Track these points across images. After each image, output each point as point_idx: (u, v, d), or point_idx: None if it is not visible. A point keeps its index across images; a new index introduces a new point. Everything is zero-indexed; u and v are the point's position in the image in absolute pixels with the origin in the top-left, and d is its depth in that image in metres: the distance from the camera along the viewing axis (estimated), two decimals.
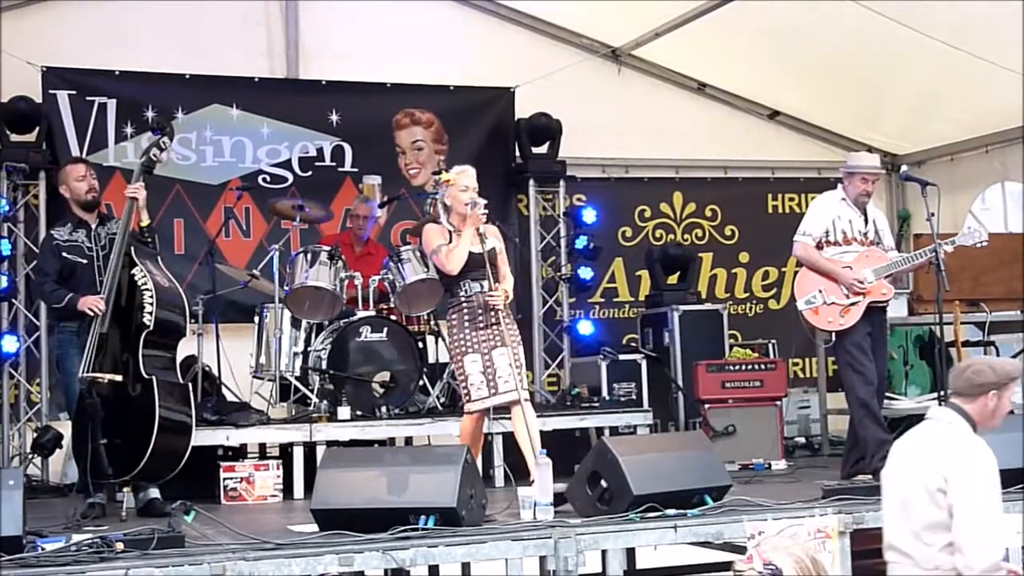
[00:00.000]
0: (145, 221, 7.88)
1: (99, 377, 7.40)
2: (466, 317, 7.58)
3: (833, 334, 8.42)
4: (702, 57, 12.20)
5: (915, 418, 10.58)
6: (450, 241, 7.61)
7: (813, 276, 8.45)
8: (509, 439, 8.47)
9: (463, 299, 7.62)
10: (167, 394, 7.49)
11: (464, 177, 7.69)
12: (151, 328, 7.48)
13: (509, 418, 7.64)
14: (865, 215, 8.49)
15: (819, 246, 8.43)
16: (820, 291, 8.39)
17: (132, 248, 7.66)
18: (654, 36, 11.73)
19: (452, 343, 7.73)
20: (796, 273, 8.66)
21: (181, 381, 7.84)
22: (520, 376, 7.49)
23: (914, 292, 10.31)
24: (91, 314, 7.51)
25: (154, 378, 7.41)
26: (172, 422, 7.50)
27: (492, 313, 7.54)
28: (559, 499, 6.70)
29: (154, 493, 7.71)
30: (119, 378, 7.43)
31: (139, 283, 7.55)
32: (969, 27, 9.90)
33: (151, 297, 7.49)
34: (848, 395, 8.39)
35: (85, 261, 7.83)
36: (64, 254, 7.85)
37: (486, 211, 7.61)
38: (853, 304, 8.29)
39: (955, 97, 11.24)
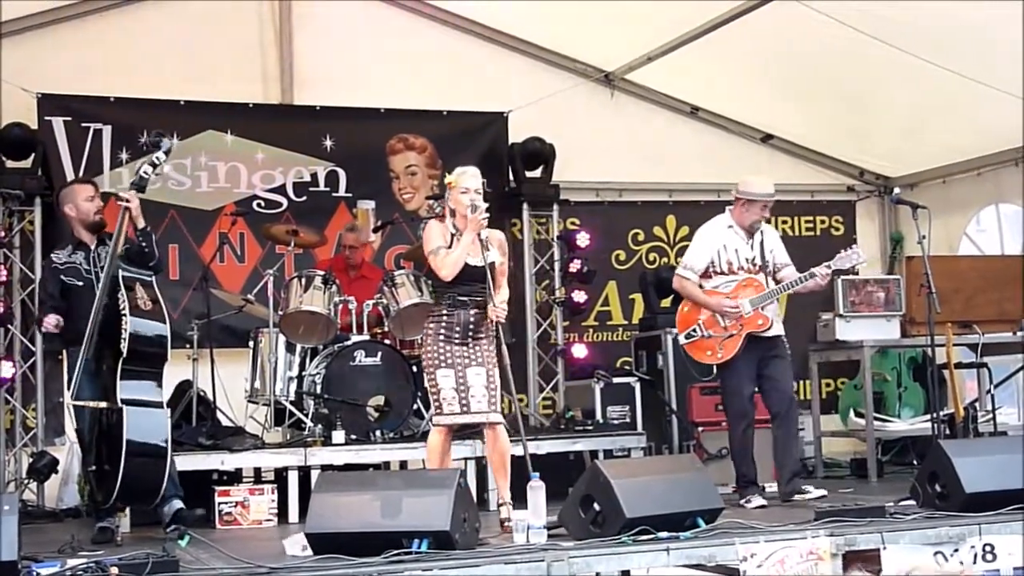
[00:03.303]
0: (140, 224, 7.62)
1: (82, 404, 7.35)
2: (443, 330, 7.31)
3: (715, 367, 8.62)
4: (695, 81, 12.25)
5: (909, 440, 10.77)
6: (451, 245, 7.30)
7: (694, 309, 8.60)
8: None
9: (444, 312, 7.34)
10: (139, 419, 7.21)
11: (465, 178, 7.35)
12: (125, 356, 7.23)
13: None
14: (751, 239, 8.56)
15: (706, 275, 8.53)
16: (700, 324, 8.53)
17: (119, 270, 7.39)
18: (647, 60, 11.78)
19: (425, 354, 7.39)
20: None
21: (164, 407, 7.56)
22: (494, 398, 7.31)
23: (906, 314, 10.33)
24: (53, 332, 7.48)
25: (124, 408, 7.16)
26: (141, 449, 7.18)
27: (471, 331, 7.30)
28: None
29: (178, 504, 7.68)
30: (104, 404, 7.30)
31: (120, 308, 7.31)
32: (962, 49, 9.94)
33: (126, 323, 7.24)
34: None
35: (81, 283, 7.71)
36: (62, 277, 7.76)
37: (487, 215, 7.28)
38: (730, 337, 8.42)
39: (947, 119, 11.26)
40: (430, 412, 7.73)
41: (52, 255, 7.99)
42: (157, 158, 7.68)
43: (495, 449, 7.44)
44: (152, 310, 7.42)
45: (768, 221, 8.67)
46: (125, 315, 7.27)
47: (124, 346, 7.23)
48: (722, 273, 8.52)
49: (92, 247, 7.86)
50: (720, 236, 8.58)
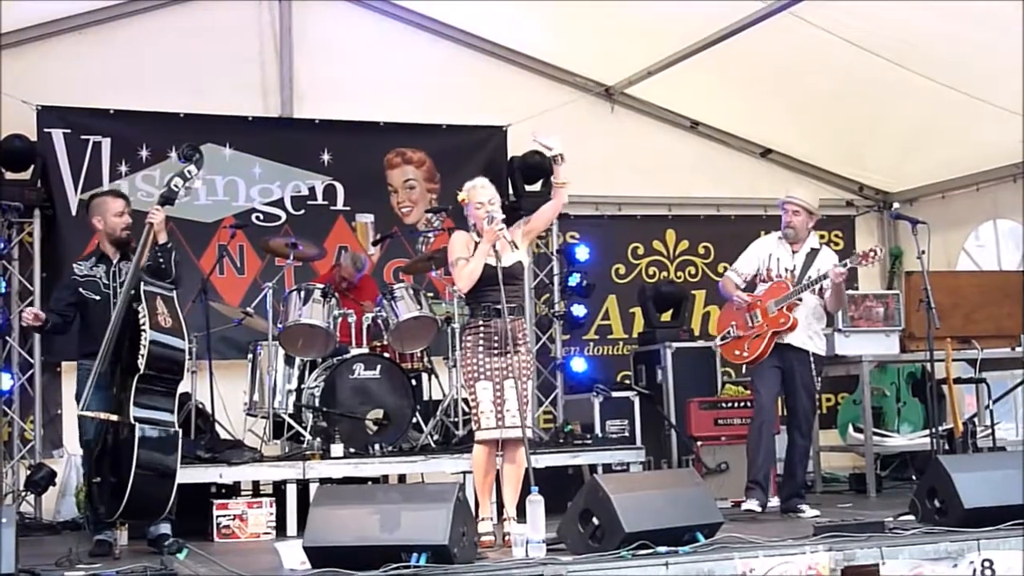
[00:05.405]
0: (162, 239, 7.58)
1: (92, 416, 7.31)
2: (481, 341, 7.34)
3: (744, 366, 9.07)
4: (695, 96, 12.26)
5: (908, 455, 10.76)
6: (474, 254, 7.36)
7: (730, 312, 8.94)
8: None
9: (481, 322, 7.37)
10: (151, 439, 7.16)
11: (476, 192, 7.44)
12: (142, 372, 7.15)
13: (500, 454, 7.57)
14: (796, 253, 8.76)
15: (753, 284, 8.85)
16: (733, 325, 8.85)
17: (141, 283, 7.31)
18: (647, 75, 11.80)
19: (465, 367, 7.44)
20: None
21: (176, 426, 7.44)
22: (525, 414, 7.29)
23: (906, 329, 10.33)
24: (33, 326, 7.57)
25: (136, 424, 7.10)
26: (151, 467, 7.13)
27: (509, 340, 7.29)
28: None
29: (164, 528, 7.64)
30: (114, 418, 7.21)
31: (140, 322, 7.21)
32: (961, 65, 9.98)
33: (145, 339, 7.15)
34: None
35: (98, 298, 7.62)
36: (80, 289, 7.68)
37: (503, 226, 7.33)
38: (756, 337, 8.65)
39: (947, 135, 11.29)
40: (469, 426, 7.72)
41: (75, 264, 7.93)
42: (188, 171, 7.65)
43: (512, 461, 7.41)
44: (172, 327, 7.35)
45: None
46: (145, 330, 7.18)
47: (142, 362, 7.15)
48: (764, 281, 8.82)
49: (114, 261, 7.76)
50: (768, 246, 8.93)
